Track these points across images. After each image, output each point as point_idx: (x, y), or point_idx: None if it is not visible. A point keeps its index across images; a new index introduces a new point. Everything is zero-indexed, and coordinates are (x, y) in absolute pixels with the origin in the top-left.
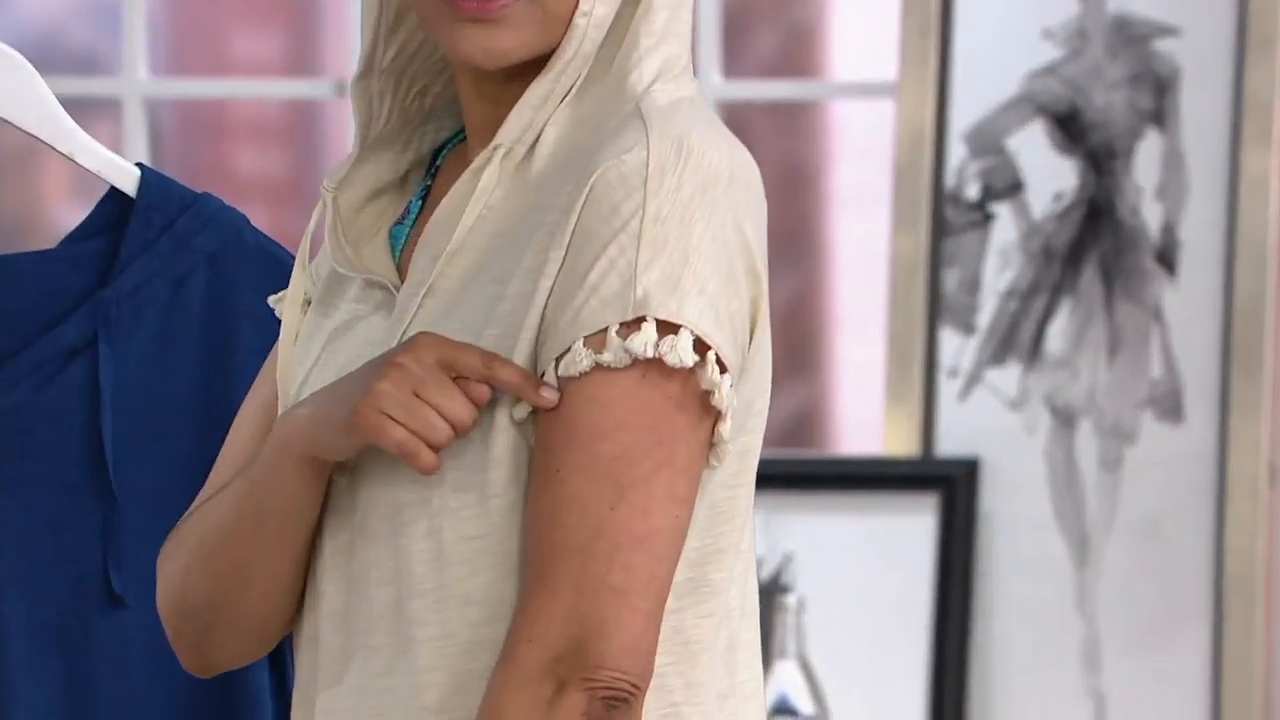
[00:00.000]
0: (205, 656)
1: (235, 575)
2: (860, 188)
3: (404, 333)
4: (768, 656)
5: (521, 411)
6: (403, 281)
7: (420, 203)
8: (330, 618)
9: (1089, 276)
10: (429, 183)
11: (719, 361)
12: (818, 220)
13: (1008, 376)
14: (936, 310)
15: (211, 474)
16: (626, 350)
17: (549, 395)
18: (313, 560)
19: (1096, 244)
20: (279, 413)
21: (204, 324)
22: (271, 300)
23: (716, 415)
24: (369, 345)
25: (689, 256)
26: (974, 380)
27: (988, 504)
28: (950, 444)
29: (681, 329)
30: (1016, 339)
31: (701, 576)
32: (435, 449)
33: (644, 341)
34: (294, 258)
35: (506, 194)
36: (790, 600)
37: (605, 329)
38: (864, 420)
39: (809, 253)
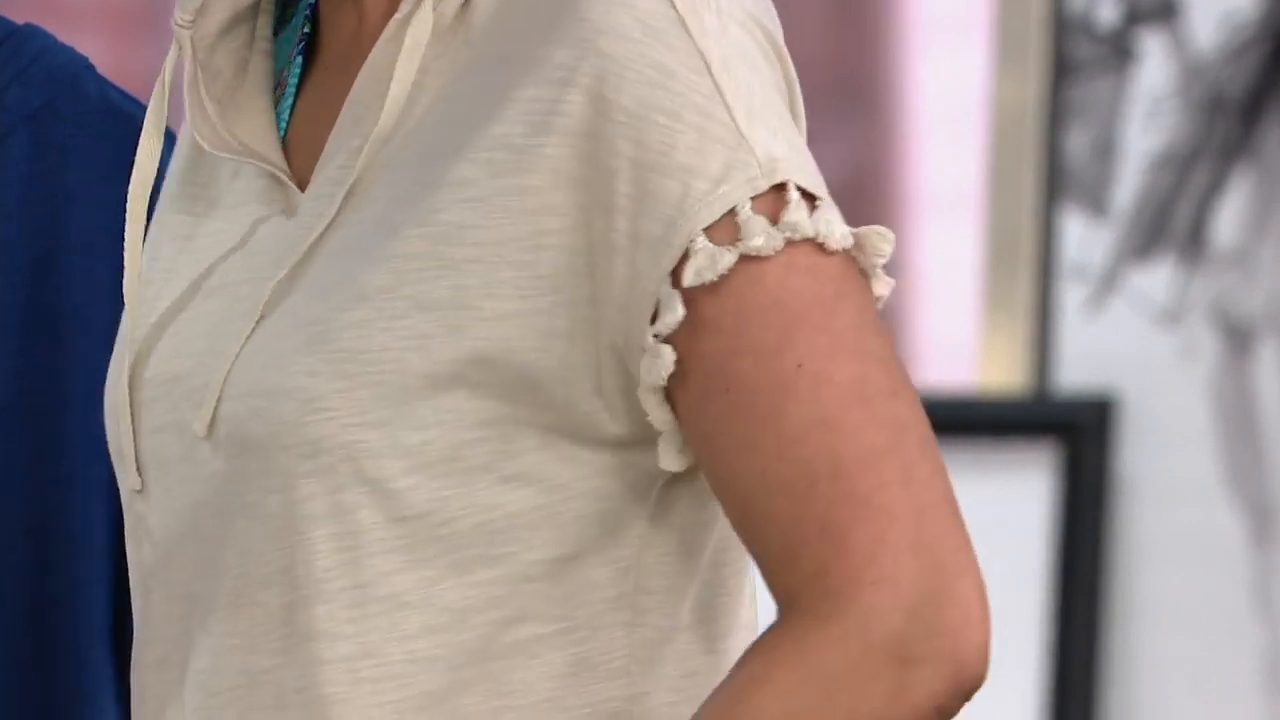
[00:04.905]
0: None
1: None
2: (948, 11)
3: (317, 240)
4: None
5: (659, 372)
6: (291, 167)
7: (301, 58)
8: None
9: (1275, 137)
10: (307, 29)
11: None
12: (888, 58)
13: (1157, 278)
14: (1055, 184)
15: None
16: (793, 227)
17: None
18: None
19: None
20: (117, 361)
21: (25, 211)
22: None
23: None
24: (261, 258)
25: (774, 109)
26: (1108, 283)
27: (1127, 460)
28: (1074, 375)
29: (819, 201)
30: (1170, 225)
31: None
32: None
33: (798, 214)
34: None
35: (441, 53)
36: None
37: (731, 210)
38: (951, 340)
39: (875, 104)
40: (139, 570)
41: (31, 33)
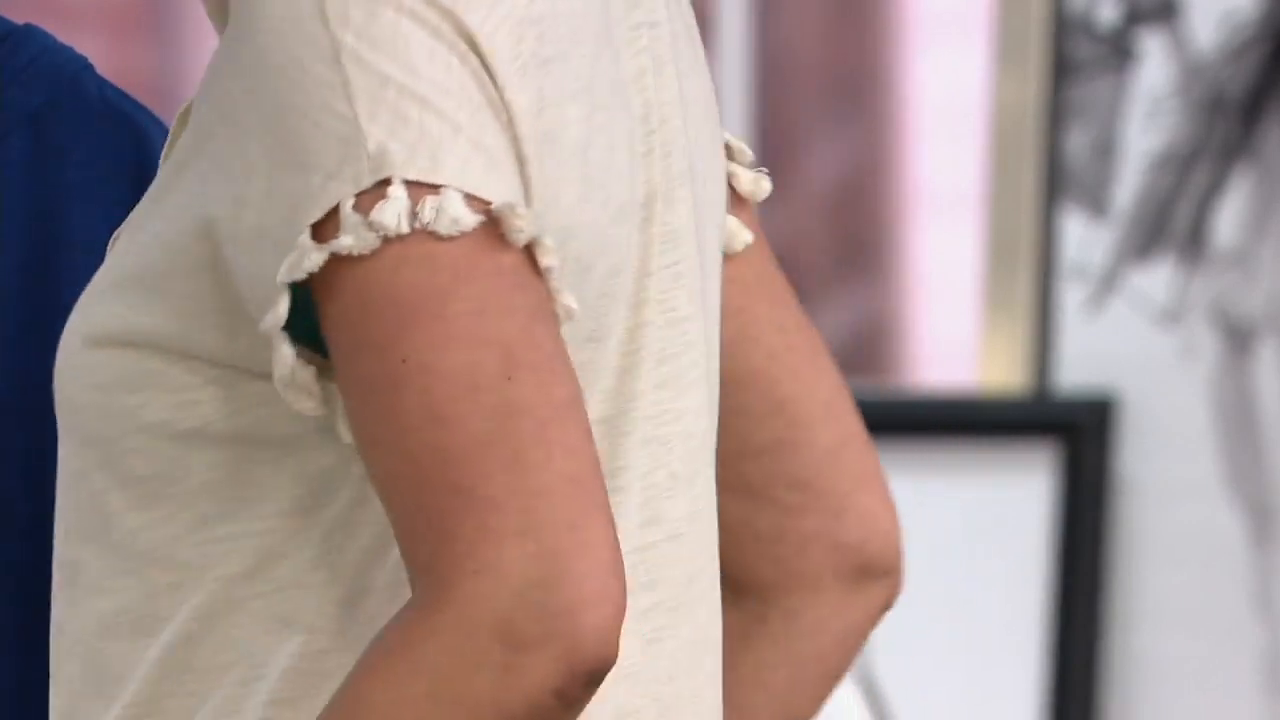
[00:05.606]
0: None
1: None
2: (948, 10)
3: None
4: None
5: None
6: None
7: None
8: None
9: (1275, 137)
10: None
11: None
12: (888, 58)
13: (1157, 278)
14: (1055, 184)
15: None
16: (380, 225)
17: None
18: None
19: None
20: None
21: (23, 210)
22: None
23: None
24: None
25: (418, 97)
26: (1108, 283)
27: (1127, 461)
28: (1074, 375)
29: (442, 189)
30: (1170, 225)
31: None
32: None
33: (386, 212)
34: (149, 113)
35: None
36: None
37: (337, 207)
38: (952, 340)
39: (874, 105)
40: None
41: (30, 33)
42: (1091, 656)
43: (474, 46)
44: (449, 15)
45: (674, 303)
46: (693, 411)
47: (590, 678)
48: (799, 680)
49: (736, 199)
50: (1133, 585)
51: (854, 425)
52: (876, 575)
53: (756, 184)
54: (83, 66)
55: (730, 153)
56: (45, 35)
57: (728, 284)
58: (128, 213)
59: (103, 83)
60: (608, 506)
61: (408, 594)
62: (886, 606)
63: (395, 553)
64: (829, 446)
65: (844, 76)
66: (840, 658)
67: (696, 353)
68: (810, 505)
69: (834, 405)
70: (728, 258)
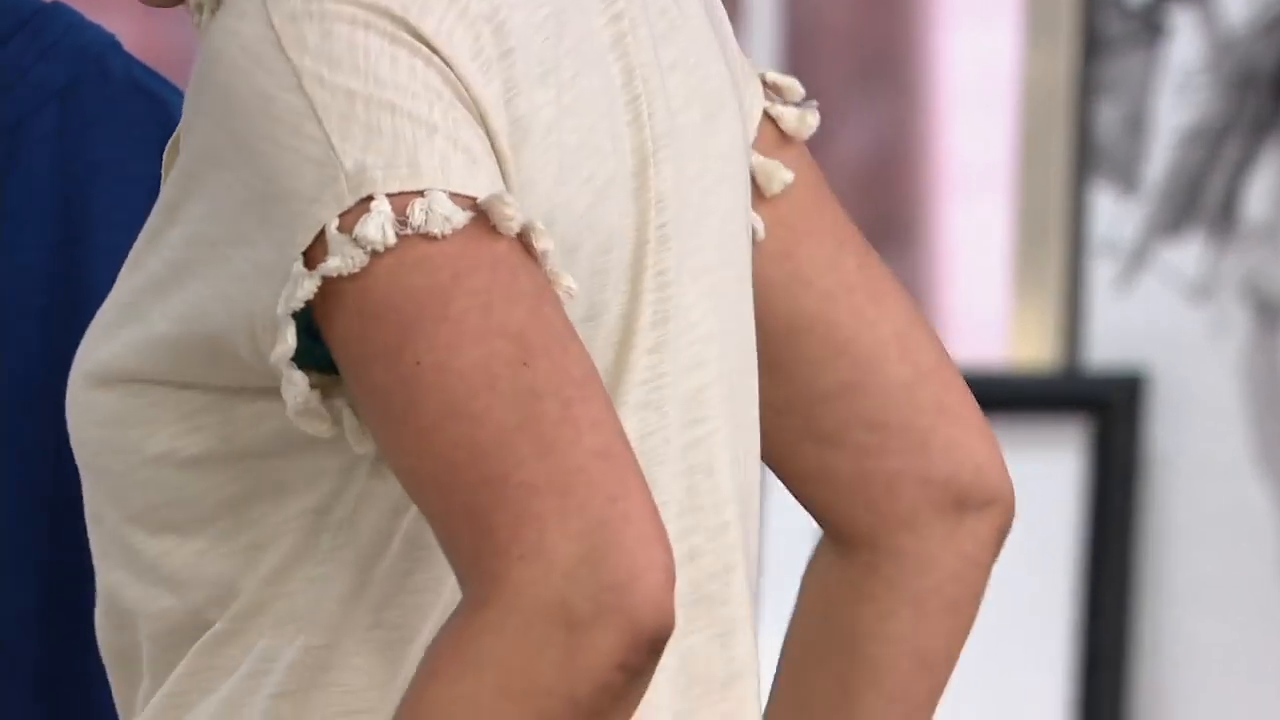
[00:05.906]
0: None
1: None
2: None
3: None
4: None
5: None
6: None
7: None
8: None
9: None
10: None
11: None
12: (917, 36)
13: (1187, 253)
14: (1085, 160)
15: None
16: (366, 240)
17: None
18: None
19: None
20: None
21: (51, 188)
22: None
23: None
24: None
25: (384, 106)
26: (1139, 259)
27: (1157, 437)
28: (1104, 351)
29: (426, 191)
30: (1200, 201)
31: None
32: None
33: (369, 226)
34: (177, 91)
35: None
36: None
37: (323, 230)
38: (982, 316)
39: (905, 80)
40: None
41: (58, 10)
42: (1121, 633)
43: (435, 50)
44: (403, 23)
45: (662, 266)
46: (686, 375)
47: (652, 646)
48: (923, 620)
49: (782, 138)
50: (1163, 562)
51: (932, 358)
52: (976, 506)
53: (801, 120)
54: (110, 44)
55: (779, 91)
56: (72, 13)
57: (773, 227)
58: (156, 190)
59: (130, 60)
60: (641, 474)
61: (407, 586)
62: (1001, 534)
63: (394, 546)
64: (903, 382)
65: (874, 52)
66: (961, 591)
67: (684, 317)
68: (889, 444)
69: (907, 340)
70: (768, 200)
